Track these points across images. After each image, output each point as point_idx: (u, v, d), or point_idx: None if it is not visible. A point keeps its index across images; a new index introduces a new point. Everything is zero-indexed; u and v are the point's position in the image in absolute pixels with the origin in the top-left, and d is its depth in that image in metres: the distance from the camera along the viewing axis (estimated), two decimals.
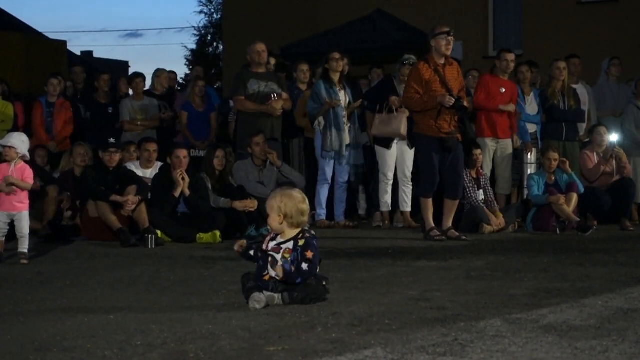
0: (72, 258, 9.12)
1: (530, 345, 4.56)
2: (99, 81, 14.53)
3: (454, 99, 10.41)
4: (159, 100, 14.33)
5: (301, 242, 5.94)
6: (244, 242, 6.19)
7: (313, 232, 6.10)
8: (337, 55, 12.53)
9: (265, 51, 12.77)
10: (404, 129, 12.05)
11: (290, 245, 5.94)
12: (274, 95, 12.52)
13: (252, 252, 6.09)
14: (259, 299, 5.77)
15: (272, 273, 5.87)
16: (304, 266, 5.88)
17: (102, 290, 6.79)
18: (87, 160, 11.84)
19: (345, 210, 12.95)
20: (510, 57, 13.07)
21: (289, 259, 5.91)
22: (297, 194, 6.05)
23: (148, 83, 14.87)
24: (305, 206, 6.02)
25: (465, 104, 10.67)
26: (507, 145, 13.06)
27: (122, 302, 6.15)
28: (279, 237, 5.99)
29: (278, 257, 5.92)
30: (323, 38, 19.88)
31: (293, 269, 5.87)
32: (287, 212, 5.93)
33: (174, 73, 16.24)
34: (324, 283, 6.06)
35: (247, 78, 12.67)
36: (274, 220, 5.97)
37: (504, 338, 4.74)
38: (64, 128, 13.98)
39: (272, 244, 5.99)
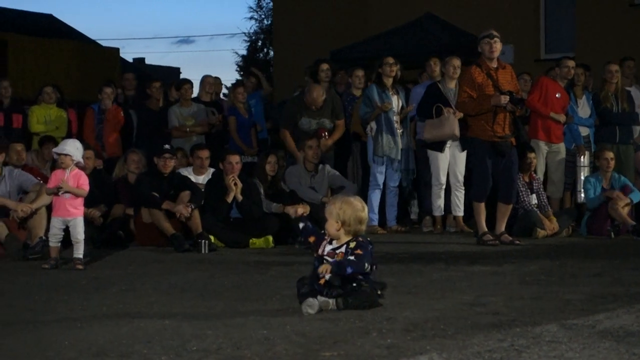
0: (126, 264, 9.18)
1: (587, 351, 4.52)
2: (150, 88, 14.63)
3: (507, 96, 10.35)
4: (207, 106, 14.38)
5: (352, 244, 5.95)
6: (307, 208, 6.24)
7: (369, 239, 6.10)
8: (390, 60, 12.50)
9: (323, 95, 12.64)
10: (457, 130, 11.94)
11: (343, 249, 5.95)
12: (325, 135, 12.55)
13: (310, 224, 6.15)
14: (312, 304, 5.78)
15: (327, 276, 5.88)
16: (351, 257, 5.89)
17: (157, 295, 6.83)
18: (140, 167, 11.91)
19: (396, 215, 12.92)
20: (572, 64, 13.01)
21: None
22: (357, 202, 6.05)
23: (196, 89, 14.92)
24: (364, 215, 6.02)
25: (520, 96, 10.66)
26: (560, 149, 12.98)
27: (177, 308, 6.19)
28: (334, 241, 6.00)
29: (332, 261, 5.93)
30: (373, 42, 19.81)
31: (338, 261, 5.89)
32: (345, 219, 5.94)
33: (218, 79, 16.28)
34: (379, 292, 6.05)
35: (299, 114, 12.60)
36: (332, 226, 5.97)
37: (560, 344, 4.71)
38: (111, 135, 14.12)
39: (328, 249, 5.99)
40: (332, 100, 12.77)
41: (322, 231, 6.07)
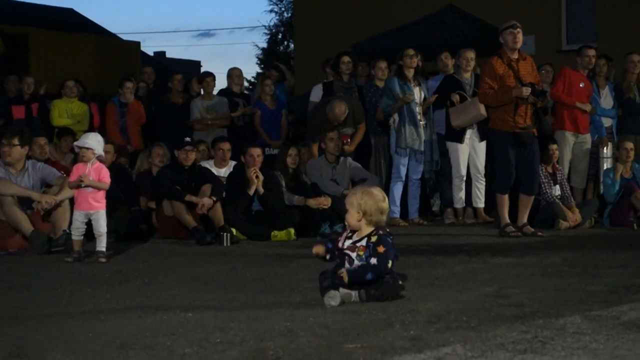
0: (149, 256, 9.21)
1: (612, 342, 4.50)
2: (172, 81, 14.65)
3: (529, 88, 10.31)
4: (237, 97, 14.39)
5: (374, 239, 5.92)
6: (321, 249, 6.15)
7: (388, 230, 6.08)
8: (411, 52, 12.48)
9: (345, 111, 12.57)
10: (483, 110, 11.79)
11: (364, 242, 5.94)
12: (346, 141, 12.55)
13: (328, 257, 6.09)
14: (334, 295, 5.78)
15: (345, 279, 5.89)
16: (373, 260, 5.85)
17: (180, 288, 6.84)
18: (165, 161, 11.94)
19: (418, 208, 12.90)
20: (592, 52, 12.98)
21: (364, 255, 5.90)
22: (378, 192, 6.03)
23: (218, 82, 14.96)
24: (385, 205, 5.99)
25: (542, 88, 10.62)
26: (587, 140, 12.95)
27: (199, 300, 6.20)
28: (354, 235, 5.98)
29: (353, 255, 5.92)
30: (395, 34, 19.75)
31: (357, 267, 5.87)
32: (366, 209, 5.91)
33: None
34: (401, 282, 6.05)
35: (325, 128, 12.53)
36: (352, 217, 5.95)
37: (584, 335, 4.69)
38: (134, 129, 14.17)
39: (347, 243, 5.98)
40: (352, 109, 12.70)
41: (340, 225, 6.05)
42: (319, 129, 12.61)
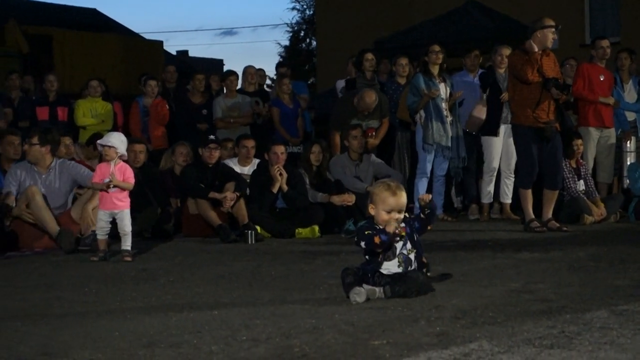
0: (173, 255, 9.23)
1: (639, 337, 4.48)
2: (193, 81, 14.69)
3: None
4: (251, 96, 14.40)
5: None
6: (353, 197, 6.28)
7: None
8: (436, 48, 12.42)
9: (376, 100, 12.62)
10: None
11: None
12: (372, 134, 12.55)
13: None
14: (359, 292, 5.78)
15: (387, 265, 5.92)
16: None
17: (205, 286, 6.86)
18: (188, 160, 11.97)
19: (443, 204, 12.87)
20: (606, 43, 12.92)
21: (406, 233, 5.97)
22: (391, 183, 6.11)
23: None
24: (389, 193, 6.00)
25: (565, 82, 10.58)
26: (611, 134, 12.89)
27: (225, 298, 6.22)
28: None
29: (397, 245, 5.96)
30: (417, 30, 19.73)
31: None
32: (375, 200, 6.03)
33: (262, 70, 16.29)
34: (425, 271, 6.07)
35: (350, 116, 12.59)
36: (380, 215, 6.00)
37: (611, 330, 4.67)
38: (156, 128, 14.21)
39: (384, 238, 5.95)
40: (380, 102, 12.74)
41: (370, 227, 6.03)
42: (343, 119, 12.63)
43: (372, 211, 6.04)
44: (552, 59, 10.69)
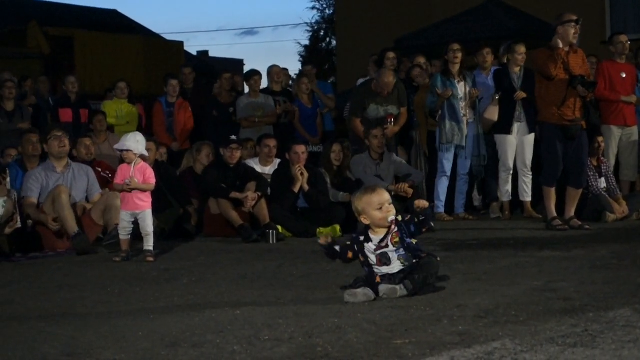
0: (195, 255, 9.26)
1: None
2: (220, 80, 14.70)
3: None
4: (277, 95, 14.40)
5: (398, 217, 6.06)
6: (330, 237, 6.30)
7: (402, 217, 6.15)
8: (455, 46, 12.38)
9: (394, 80, 12.62)
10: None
11: (395, 229, 6.01)
12: (390, 121, 12.54)
13: (337, 247, 6.22)
14: (353, 293, 5.84)
15: (386, 269, 5.94)
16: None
17: (228, 285, 6.88)
18: (211, 160, 11.99)
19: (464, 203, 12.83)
20: (624, 38, 12.87)
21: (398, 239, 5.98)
22: (363, 191, 6.23)
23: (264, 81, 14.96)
24: (371, 199, 6.08)
25: (590, 79, 10.54)
26: (633, 132, 12.83)
27: (247, 298, 6.23)
28: (372, 236, 6.07)
29: (389, 249, 5.97)
30: (437, 29, 19.74)
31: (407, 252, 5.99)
32: (358, 209, 6.14)
33: (286, 69, 16.26)
34: (438, 258, 6.16)
35: (367, 101, 12.62)
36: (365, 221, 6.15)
37: (635, 328, 4.65)
38: (185, 126, 14.23)
39: (371, 246, 6.02)
40: (398, 87, 12.75)
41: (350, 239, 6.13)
42: (363, 101, 12.67)
43: (365, 221, 6.11)
44: (580, 56, 10.63)
